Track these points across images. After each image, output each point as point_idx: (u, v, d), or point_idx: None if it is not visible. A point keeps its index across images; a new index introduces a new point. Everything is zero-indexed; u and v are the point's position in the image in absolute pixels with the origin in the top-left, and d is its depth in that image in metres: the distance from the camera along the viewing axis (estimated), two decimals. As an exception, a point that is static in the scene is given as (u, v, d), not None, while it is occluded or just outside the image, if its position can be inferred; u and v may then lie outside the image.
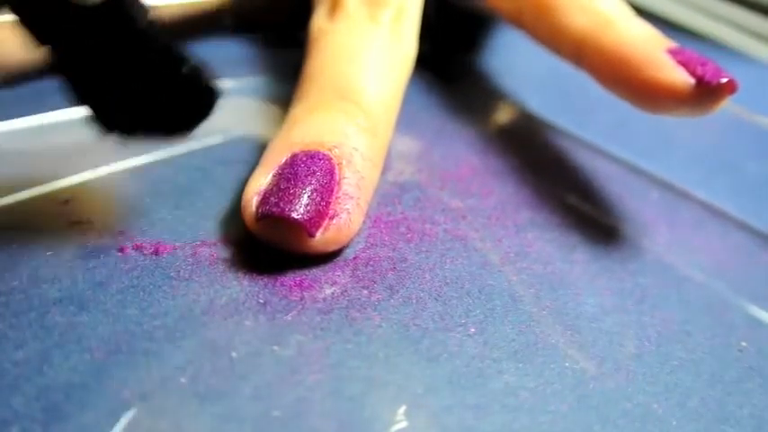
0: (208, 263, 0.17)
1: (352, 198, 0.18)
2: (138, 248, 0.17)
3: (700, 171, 0.26)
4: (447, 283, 0.18)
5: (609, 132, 0.27)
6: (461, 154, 0.24)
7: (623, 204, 0.23)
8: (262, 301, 0.16)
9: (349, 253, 0.18)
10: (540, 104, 0.28)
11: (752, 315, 0.19)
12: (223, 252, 0.18)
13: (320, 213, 0.17)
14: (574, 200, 0.22)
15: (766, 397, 0.16)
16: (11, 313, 0.15)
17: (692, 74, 0.19)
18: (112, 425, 0.13)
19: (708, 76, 0.18)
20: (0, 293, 0.15)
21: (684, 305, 0.19)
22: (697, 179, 0.25)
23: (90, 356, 0.14)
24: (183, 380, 0.14)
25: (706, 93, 0.18)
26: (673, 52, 0.19)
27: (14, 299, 0.15)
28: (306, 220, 0.16)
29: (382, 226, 0.19)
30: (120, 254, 0.17)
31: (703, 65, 0.19)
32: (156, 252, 0.17)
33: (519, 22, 0.24)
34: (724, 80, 0.18)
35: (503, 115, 0.28)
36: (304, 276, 0.17)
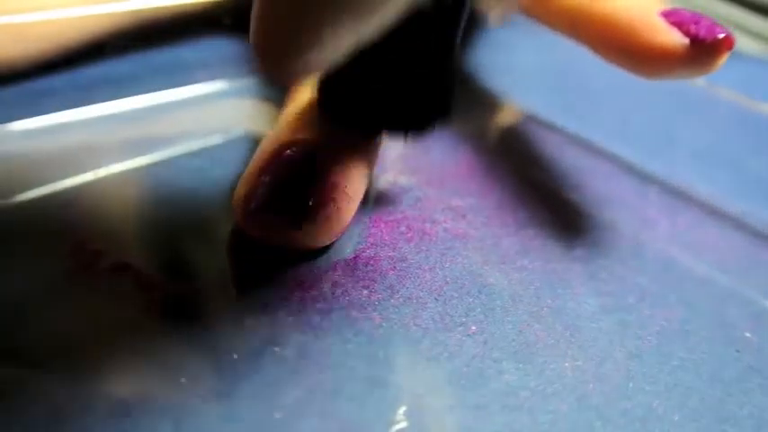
0: (207, 264, 0.17)
1: (337, 187, 0.18)
2: (137, 250, 0.17)
3: (701, 168, 0.26)
4: (447, 283, 0.18)
5: (609, 130, 0.27)
6: (461, 153, 0.24)
7: (623, 202, 0.23)
8: (262, 301, 0.16)
9: (349, 253, 0.18)
10: (540, 104, 0.28)
11: (753, 313, 0.19)
12: (223, 252, 0.18)
13: (305, 206, 0.17)
14: (574, 198, 0.22)
15: (766, 397, 0.16)
16: (14, 316, 0.15)
17: (686, 33, 0.18)
18: (113, 425, 0.13)
19: (702, 34, 0.18)
20: (0, 296, 0.15)
21: (685, 304, 0.19)
22: (698, 176, 0.25)
23: (90, 357, 0.14)
24: (183, 380, 0.14)
25: (701, 50, 0.18)
26: (666, 14, 0.19)
27: (15, 300, 0.15)
28: (290, 213, 0.16)
29: (382, 226, 0.19)
30: (119, 257, 0.17)
31: (696, 23, 0.19)
32: (156, 253, 0.17)
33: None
34: (720, 35, 0.18)
35: (502, 114, 0.28)
36: (304, 276, 0.17)
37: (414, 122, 0.18)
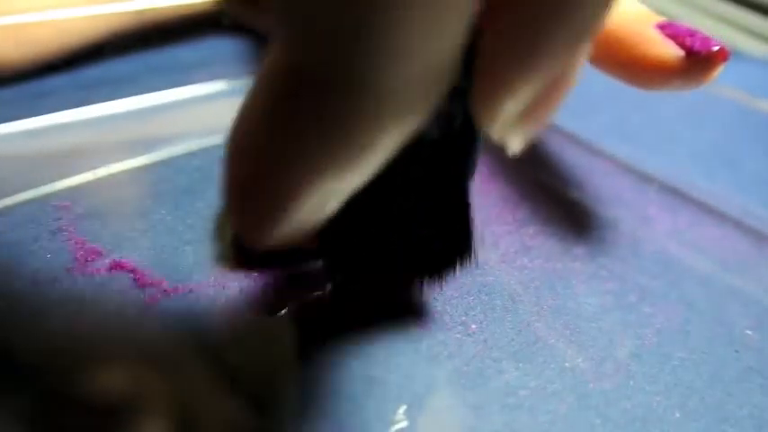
0: (207, 264, 0.17)
1: None
2: (137, 250, 0.17)
3: (701, 166, 0.26)
4: (447, 282, 0.18)
5: (609, 129, 0.27)
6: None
7: (624, 200, 0.23)
8: (262, 301, 0.16)
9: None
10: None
11: (754, 312, 0.19)
12: (223, 252, 0.18)
13: None
14: (574, 196, 0.22)
15: (766, 397, 0.16)
16: (15, 316, 0.15)
17: (681, 46, 0.19)
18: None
19: (697, 46, 0.18)
20: (0, 297, 0.15)
21: (685, 303, 0.19)
22: (699, 174, 0.25)
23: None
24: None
25: (696, 63, 0.19)
26: (661, 27, 0.19)
27: (16, 300, 0.15)
28: None
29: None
30: (119, 256, 0.17)
31: (692, 36, 0.19)
32: (156, 253, 0.17)
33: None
34: (715, 48, 0.18)
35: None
36: (304, 276, 0.17)
37: (431, 268, 0.15)
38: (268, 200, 0.10)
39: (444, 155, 0.13)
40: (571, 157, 0.25)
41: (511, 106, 0.11)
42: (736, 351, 0.18)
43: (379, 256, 0.15)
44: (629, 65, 0.19)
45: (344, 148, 0.10)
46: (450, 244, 0.15)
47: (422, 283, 0.16)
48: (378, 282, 0.16)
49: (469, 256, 0.15)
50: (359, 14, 0.08)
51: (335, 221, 0.12)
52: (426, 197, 0.14)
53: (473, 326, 0.17)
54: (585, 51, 0.11)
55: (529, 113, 0.11)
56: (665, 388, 0.16)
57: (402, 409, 0.14)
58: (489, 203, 0.21)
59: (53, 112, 0.21)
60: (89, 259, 0.17)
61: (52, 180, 0.19)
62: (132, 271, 0.17)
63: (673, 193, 0.24)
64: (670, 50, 0.19)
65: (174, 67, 0.25)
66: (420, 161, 0.13)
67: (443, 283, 0.16)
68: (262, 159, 0.10)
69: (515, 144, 0.12)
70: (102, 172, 0.20)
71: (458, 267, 0.15)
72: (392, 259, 0.15)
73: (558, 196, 0.22)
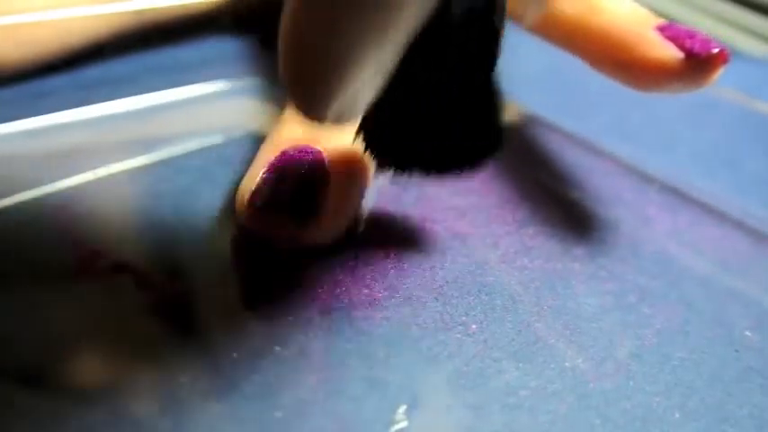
0: (208, 264, 0.17)
1: (340, 185, 0.18)
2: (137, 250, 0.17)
3: (701, 166, 0.26)
4: (447, 282, 0.18)
5: (609, 129, 0.27)
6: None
7: (624, 200, 0.23)
8: (262, 300, 0.16)
9: (350, 252, 0.18)
10: (540, 103, 0.28)
11: (753, 313, 0.19)
12: (223, 253, 0.18)
13: (308, 204, 0.17)
14: (574, 197, 0.22)
15: (766, 397, 0.16)
16: (15, 315, 0.15)
17: (681, 48, 0.19)
18: (113, 425, 0.13)
19: (697, 48, 0.18)
20: (0, 295, 0.16)
21: (685, 303, 0.19)
22: (699, 174, 0.25)
23: (90, 357, 0.14)
24: (183, 380, 0.14)
25: (696, 65, 0.19)
26: (661, 29, 0.19)
27: (16, 300, 0.15)
28: (294, 211, 0.16)
29: (383, 224, 0.19)
30: (119, 256, 0.17)
31: (692, 38, 0.19)
32: (156, 253, 0.17)
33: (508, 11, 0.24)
34: (715, 50, 0.18)
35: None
36: (305, 275, 0.17)
37: (464, 155, 0.16)
38: (323, 70, 0.12)
39: (468, 38, 0.14)
40: (571, 157, 0.25)
41: None
42: (736, 351, 0.18)
43: (414, 141, 0.16)
44: (628, 67, 0.20)
45: (380, 10, 0.11)
46: (479, 132, 0.16)
47: (456, 169, 0.16)
48: (414, 167, 0.16)
49: (498, 145, 0.16)
50: None
51: (375, 108, 0.14)
52: (455, 81, 0.15)
53: (473, 326, 0.17)
54: None
55: None
56: (665, 388, 0.16)
57: (402, 409, 0.14)
58: (489, 204, 0.21)
59: (53, 112, 0.22)
60: (89, 259, 0.17)
61: (52, 180, 0.19)
62: (132, 271, 0.17)
63: (673, 193, 0.24)
64: (670, 53, 0.19)
65: (174, 67, 0.25)
66: (445, 43, 0.14)
67: (475, 172, 0.17)
68: (314, 33, 0.11)
69: (529, 19, 0.13)
70: (102, 172, 0.20)
71: (487, 155, 0.16)
72: (426, 145, 0.16)
73: (558, 196, 0.22)
